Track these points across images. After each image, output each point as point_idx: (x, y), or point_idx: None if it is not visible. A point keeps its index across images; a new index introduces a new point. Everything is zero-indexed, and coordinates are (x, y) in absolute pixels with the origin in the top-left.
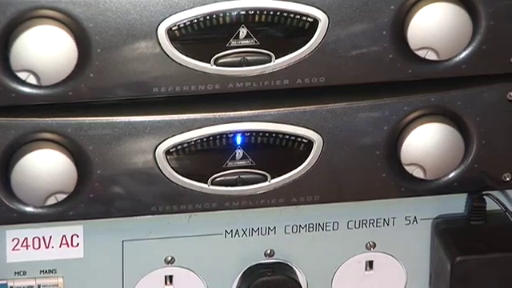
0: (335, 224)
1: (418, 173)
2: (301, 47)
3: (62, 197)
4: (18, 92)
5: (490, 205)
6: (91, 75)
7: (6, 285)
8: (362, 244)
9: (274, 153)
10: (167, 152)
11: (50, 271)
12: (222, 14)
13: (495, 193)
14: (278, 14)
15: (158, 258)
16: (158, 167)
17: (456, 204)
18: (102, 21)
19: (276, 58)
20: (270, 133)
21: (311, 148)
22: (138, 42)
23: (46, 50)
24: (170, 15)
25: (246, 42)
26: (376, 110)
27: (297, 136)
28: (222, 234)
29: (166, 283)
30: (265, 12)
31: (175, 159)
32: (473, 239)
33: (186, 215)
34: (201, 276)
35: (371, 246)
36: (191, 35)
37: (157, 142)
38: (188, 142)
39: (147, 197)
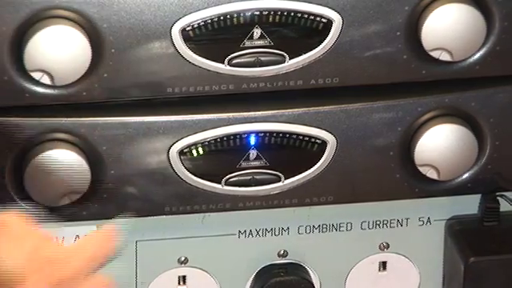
0: (349, 225)
1: (431, 174)
2: (315, 48)
3: (75, 197)
4: (31, 92)
5: (504, 206)
6: (105, 75)
7: None
8: (375, 245)
9: (287, 153)
10: (181, 152)
11: None
12: (236, 15)
13: (509, 194)
14: (292, 14)
15: (172, 259)
16: (172, 167)
17: (469, 205)
18: (116, 21)
19: (290, 59)
20: (284, 133)
21: (325, 149)
22: (152, 43)
23: (60, 50)
24: (184, 15)
25: (260, 42)
26: (390, 110)
27: (310, 136)
28: (235, 234)
29: (179, 283)
30: (279, 12)
31: (189, 159)
32: (486, 240)
33: (200, 215)
34: (214, 276)
35: (385, 247)
36: (205, 35)
37: (171, 143)
38: (202, 143)
39: (161, 197)
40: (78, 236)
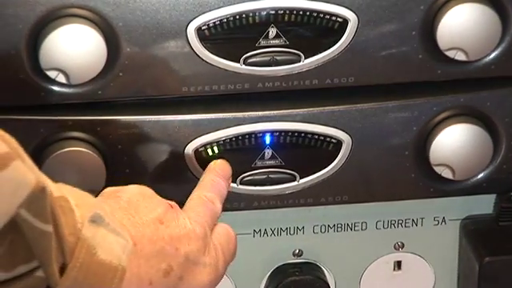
0: (363, 224)
1: (446, 173)
2: (330, 47)
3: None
4: (47, 91)
5: None
6: (120, 74)
7: None
8: (390, 244)
9: (302, 153)
10: (196, 151)
11: None
12: (251, 14)
13: None
14: (308, 13)
15: None
16: (188, 166)
17: (484, 205)
18: (132, 20)
19: (305, 58)
20: (299, 133)
21: (340, 148)
22: (168, 42)
23: (75, 49)
24: (200, 14)
25: (276, 41)
26: (405, 110)
27: (326, 136)
28: (250, 233)
29: None
30: (294, 12)
31: (204, 158)
32: (501, 240)
33: None
34: (229, 275)
35: (399, 247)
36: (221, 35)
37: (186, 141)
38: (217, 142)
39: (177, 196)
40: None
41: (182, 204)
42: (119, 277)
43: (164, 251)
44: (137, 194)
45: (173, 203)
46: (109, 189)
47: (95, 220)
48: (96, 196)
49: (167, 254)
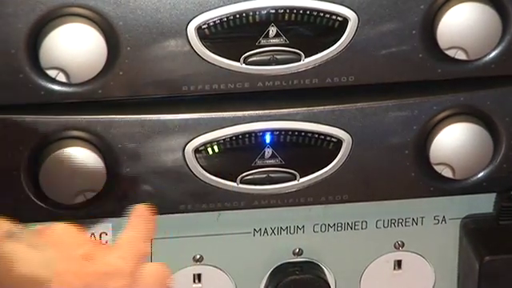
0: (364, 223)
1: (446, 172)
2: (330, 46)
3: (90, 195)
4: (47, 90)
5: None
6: (121, 73)
7: None
8: (390, 243)
9: (302, 152)
10: (196, 150)
11: None
12: (251, 13)
13: None
14: (308, 12)
15: (187, 257)
16: (187, 165)
17: (485, 204)
18: (132, 19)
19: (305, 57)
20: (299, 132)
21: (340, 147)
22: (168, 41)
23: (75, 48)
24: (200, 13)
25: (276, 40)
26: (405, 109)
27: (326, 135)
28: (250, 232)
29: (194, 281)
30: (294, 11)
31: (204, 157)
32: (501, 239)
33: (215, 214)
34: (229, 274)
35: (400, 246)
36: (221, 34)
37: (186, 140)
38: (217, 141)
39: (176, 195)
40: (93, 234)
41: (181, 202)
42: None
43: (91, 287)
44: (61, 231)
45: (99, 241)
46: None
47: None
48: None
49: None
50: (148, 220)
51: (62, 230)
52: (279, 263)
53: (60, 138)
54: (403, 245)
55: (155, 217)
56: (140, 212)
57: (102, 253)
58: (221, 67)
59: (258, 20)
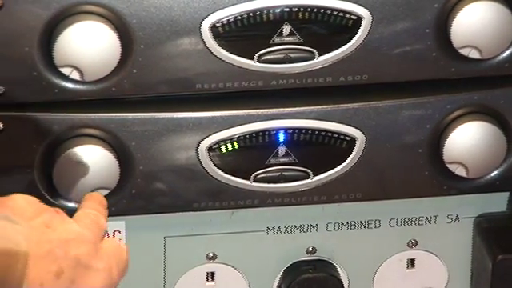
0: (377, 222)
1: (460, 171)
2: (344, 45)
3: (104, 192)
4: (61, 87)
5: None
6: (134, 71)
7: None
8: (403, 242)
9: (316, 150)
10: (210, 148)
11: None
12: (265, 11)
13: None
14: (322, 11)
15: (200, 255)
16: (201, 164)
17: (498, 202)
18: (146, 17)
19: (319, 56)
20: (313, 130)
21: (354, 146)
22: (181, 39)
23: (89, 46)
24: (214, 12)
25: (290, 39)
26: (419, 108)
27: (339, 133)
28: (263, 230)
29: (207, 280)
30: (308, 9)
31: (218, 156)
32: None
33: (228, 212)
34: (242, 272)
35: (413, 244)
36: (235, 32)
37: (199, 139)
38: (231, 139)
39: (189, 193)
40: (106, 232)
41: (194, 200)
42: (22, 262)
43: (53, 253)
44: (21, 201)
45: (59, 210)
46: None
47: None
48: None
49: (57, 257)
50: (99, 201)
51: (22, 200)
52: (292, 261)
53: (73, 135)
54: (416, 243)
55: (105, 202)
56: (90, 196)
57: (61, 221)
58: (234, 65)
59: (271, 18)
